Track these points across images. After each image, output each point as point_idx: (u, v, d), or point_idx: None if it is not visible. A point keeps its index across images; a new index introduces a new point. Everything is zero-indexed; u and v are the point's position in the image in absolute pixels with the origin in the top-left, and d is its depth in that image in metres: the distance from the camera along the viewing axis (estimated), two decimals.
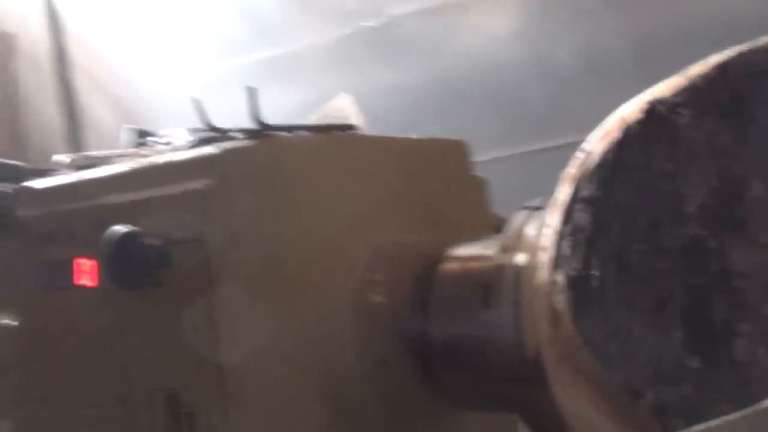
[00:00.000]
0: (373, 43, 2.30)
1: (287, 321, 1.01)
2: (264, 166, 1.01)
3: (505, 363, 0.92)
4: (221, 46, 2.63)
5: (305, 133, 1.08)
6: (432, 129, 2.12)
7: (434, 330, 1.01)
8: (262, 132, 1.03)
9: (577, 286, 0.79)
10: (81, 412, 1.12)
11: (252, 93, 1.01)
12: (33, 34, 2.36)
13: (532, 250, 0.88)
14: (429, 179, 1.18)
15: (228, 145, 1.02)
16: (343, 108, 1.14)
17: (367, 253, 1.06)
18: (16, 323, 1.19)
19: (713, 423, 0.64)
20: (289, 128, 1.06)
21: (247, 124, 1.08)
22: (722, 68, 0.83)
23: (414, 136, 1.21)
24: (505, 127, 2.08)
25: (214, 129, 1.06)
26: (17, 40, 2.89)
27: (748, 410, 0.64)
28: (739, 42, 0.84)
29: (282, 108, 1.37)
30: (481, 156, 2.02)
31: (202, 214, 1.00)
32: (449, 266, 1.02)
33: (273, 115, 1.34)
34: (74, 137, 1.87)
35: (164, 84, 2.72)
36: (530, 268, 0.87)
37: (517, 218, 0.97)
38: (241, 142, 1.02)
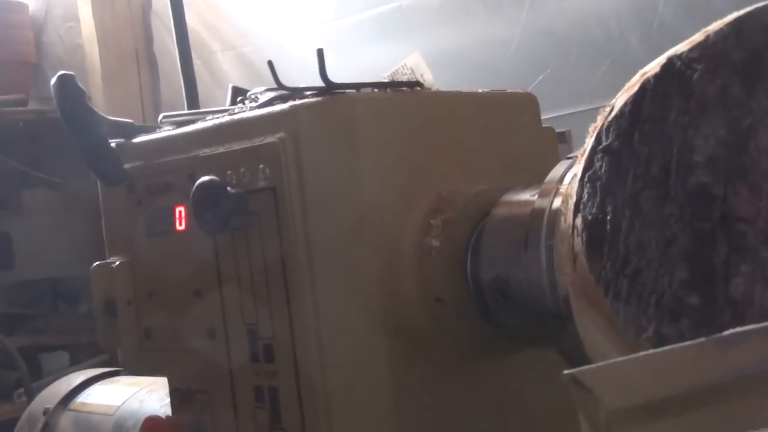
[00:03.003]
0: None
1: (353, 261, 1.10)
2: (331, 121, 1.11)
3: (543, 301, 1.00)
4: (339, 5, 2.72)
5: (372, 91, 1.17)
6: (535, 80, 2.18)
7: (485, 271, 1.09)
8: (330, 90, 1.12)
9: (592, 229, 0.87)
10: (180, 344, 1.25)
11: (320, 54, 1.10)
12: None
13: (565, 196, 0.95)
14: (496, 131, 1.25)
15: (297, 102, 1.12)
16: (413, 66, 1.22)
17: (429, 201, 1.14)
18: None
19: (678, 345, 0.70)
20: (357, 86, 1.15)
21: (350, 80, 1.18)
22: (737, 25, 0.87)
23: (482, 90, 1.28)
24: (607, 78, 2.12)
25: (287, 88, 1.16)
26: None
27: (713, 337, 0.70)
28: None
29: (394, 62, 1.45)
30: (583, 106, 2.08)
31: (276, 165, 1.10)
32: (499, 211, 1.10)
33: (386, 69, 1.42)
34: (191, 94, 2.01)
35: (288, 42, 2.84)
36: (561, 212, 0.94)
37: (560, 166, 1.04)
38: (310, 100, 1.12)
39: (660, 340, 0.81)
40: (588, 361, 0.90)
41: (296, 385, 1.09)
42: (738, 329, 0.73)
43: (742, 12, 0.88)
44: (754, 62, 0.86)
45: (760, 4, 0.88)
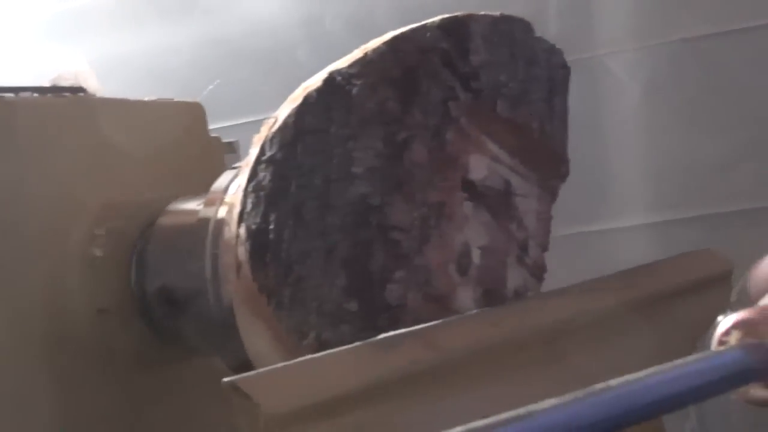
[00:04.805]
0: (150, 3, 2.33)
1: (12, 273, 1.05)
2: None
3: (208, 310, 1.00)
4: (4, 4, 2.60)
5: (32, 95, 1.12)
6: (205, 89, 2.18)
7: (150, 281, 1.08)
8: None
9: (256, 238, 0.88)
10: None
11: None
12: None
13: (230, 205, 0.95)
14: (164, 140, 1.23)
15: None
16: (77, 72, 1.19)
17: (93, 210, 1.11)
18: None
19: (337, 350, 0.73)
20: (15, 89, 1.10)
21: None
22: (394, 43, 0.92)
23: (148, 99, 1.26)
24: (276, 90, 2.15)
25: None
26: None
27: (370, 340, 0.74)
28: None
29: (60, 66, 1.39)
30: (255, 116, 2.10)
31: None
32: (165, 220, 1.09)
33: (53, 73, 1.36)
34: None
35: None
36: (226, 222, 0.94)
37: (225, 176, 1.04)
38: None
39: (321, 346, 0.84)
40: (251, 369, 0.92)
41: None
42: (392, 333, 0.76)
43: (398, 31, 0.93)
44: (409, 79, 0.91)
45: (415, 25, 0.93)
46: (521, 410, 0.63)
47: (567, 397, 0.65)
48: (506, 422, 0.62)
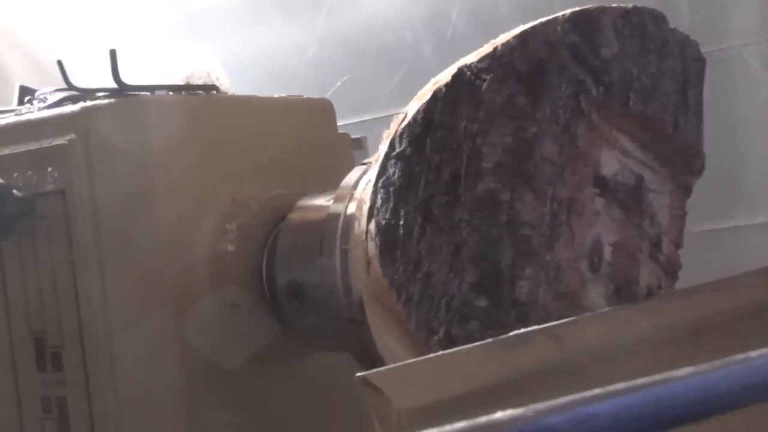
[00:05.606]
0: (275, 2, 2.36)
1: (145, 267, 1.08)
2: (123, 123, 1.08)
3: (337, 305, 1.01)
4: (136, 6, 2.66)
5: (166, 93, 1.15)
6: (332, 87, 2.20)
7: (280, 276, 1.09)
8: (122, 91, 1.10)
9: (386, 233, 0.88)
10: None
11: (112, 55, 1.08)
12: None
13: (360, 201, 0.96)
14: (292, 137, 1.25)
15: (89, 103, 1.09)
16: (209, 70, 1.21)
17: (224, 206, 1.13)
18: None
19: (466, 347, 0.73)
20: (150, 88, 1.13)
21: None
22: (523, 38, 0.91)
23: (278, 96, 1.28)
24: (402, 86, 2.15)
25: (77, 89, 1.13)
26: None
27: (499, 338, 0.73)
28: None
29: (191, 64, 1.42)
30: (379, 113, 2.11)
31: (65, 168, 1.07)
32: (295, 215, 1.11)
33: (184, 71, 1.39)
34: None
35: (82, 41, 2.75)
36: (355, 218, 0.95)
37: (355, 172, 1.05)
38: (101, 101, 1.09)
39: (450, 342, 0.83)
40: (381, 364, 0.92)
41: (86, 394, 1.06)
42: (522, 330, 0.76)
43: (527, 25, 0.92)
44: (538, 73, 0.90)
45: (545, 18, 0.92)
46: (657, 376, 0.61)
47: (704, 366, 0.63)
48: (642, 387, 0.61)
